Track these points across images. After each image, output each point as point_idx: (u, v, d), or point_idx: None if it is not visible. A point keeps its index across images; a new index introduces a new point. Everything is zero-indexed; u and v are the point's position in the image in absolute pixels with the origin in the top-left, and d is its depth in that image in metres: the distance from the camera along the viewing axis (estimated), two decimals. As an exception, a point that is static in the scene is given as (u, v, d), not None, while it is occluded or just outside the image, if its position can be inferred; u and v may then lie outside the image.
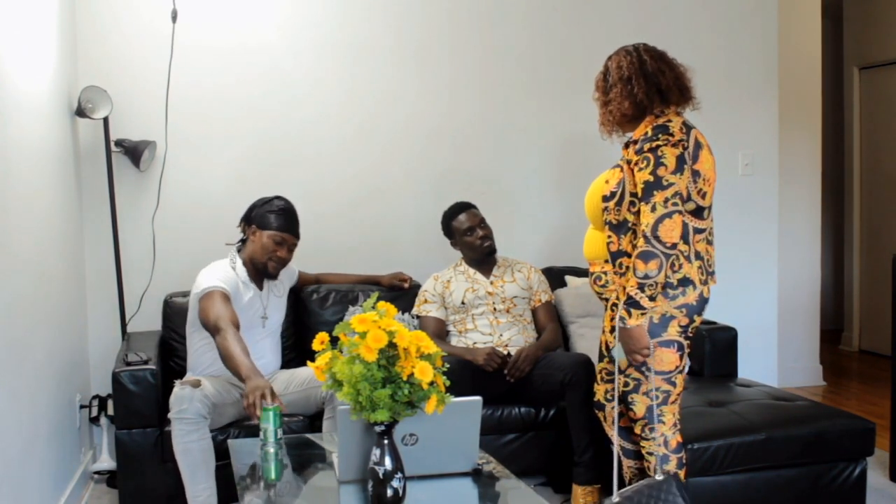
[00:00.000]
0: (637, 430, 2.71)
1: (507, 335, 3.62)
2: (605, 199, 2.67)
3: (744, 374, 3.86)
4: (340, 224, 4.20)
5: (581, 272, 4.09)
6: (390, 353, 2.09)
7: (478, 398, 2.38)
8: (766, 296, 4.79)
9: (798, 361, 5.34)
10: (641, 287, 2.50)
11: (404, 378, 2.07)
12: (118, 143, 3.84)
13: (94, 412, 3.68)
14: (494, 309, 3.66)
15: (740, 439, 2.93)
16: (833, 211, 6.77)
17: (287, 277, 3.63)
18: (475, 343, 3.60)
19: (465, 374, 3.27)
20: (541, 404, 3.45)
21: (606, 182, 2.70)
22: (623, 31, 4.47)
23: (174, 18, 3.89)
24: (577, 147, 4.40)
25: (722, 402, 3.21)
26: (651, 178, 2.51)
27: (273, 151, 4.10)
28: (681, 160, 2.51)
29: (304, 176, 4.14)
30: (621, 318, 2.56)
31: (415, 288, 3.89)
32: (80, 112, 3.67)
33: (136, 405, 3.08)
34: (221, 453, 2.96)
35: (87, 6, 3.86)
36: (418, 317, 3.69)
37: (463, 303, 3.67)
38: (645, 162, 2.53)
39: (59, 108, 3.46)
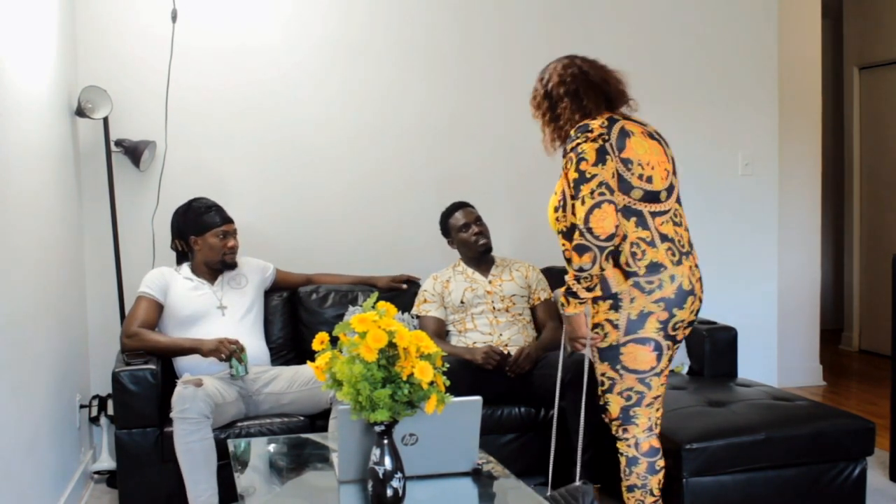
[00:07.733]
0: (613, 430, 2.73)
1: (507, 334, 3.62)
2: (556, 209, 2.71)
3: (744, 373, 3.86)
4: (343, 225, 4.19)
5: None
6: (390, 353, 2.09)
7: (478, 398, 2.38)
8: (766, 296, 4.78)
9: (798, 361, 5.33)
10: (578, 279, 2.58)
11: (404, 378, 2.07)
12: (118, 143, 3.84)
13: (94, 412, 3.68)
14: (493, 308, 3.66)
15: (740, 439, 2.93)
16: (833, 211, 6.76)
17: (256, 271, 3.64)
18: (475, 342, 3.60)
19: (465, 373, 3.27)
20: (541, 404, 3.45)
21: (555, 193, 2.73)
22: (624, 31, 4.49)
23: (174, 18, 3.89)
24: (577, 147, 4.39)
25: (722, 402, 3.21)
26: (577, 175, 2.56)
27: (273, 152, 4.10)
28: (601, 152, 2.55)
29: (306, 177, 4.13)
30: (561, 305, 2.67)
31: (414, 287, 3.89)
32: (80, 112, 3.67)
33: (136, 405, 3.08)
34: (220, 453, 2.96)
35: (87, 6, 3.86)
36: (418, 317, 3.69)
37: (462, 302, 3.67)
38: (570, 163, 2.59)
39: (59, 108, 3.46)
